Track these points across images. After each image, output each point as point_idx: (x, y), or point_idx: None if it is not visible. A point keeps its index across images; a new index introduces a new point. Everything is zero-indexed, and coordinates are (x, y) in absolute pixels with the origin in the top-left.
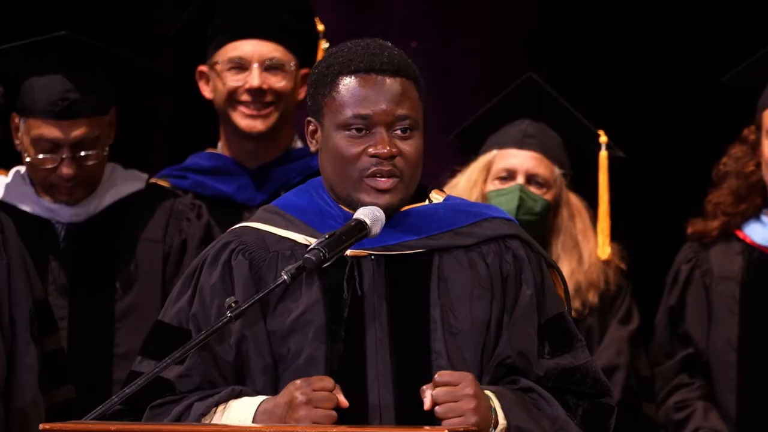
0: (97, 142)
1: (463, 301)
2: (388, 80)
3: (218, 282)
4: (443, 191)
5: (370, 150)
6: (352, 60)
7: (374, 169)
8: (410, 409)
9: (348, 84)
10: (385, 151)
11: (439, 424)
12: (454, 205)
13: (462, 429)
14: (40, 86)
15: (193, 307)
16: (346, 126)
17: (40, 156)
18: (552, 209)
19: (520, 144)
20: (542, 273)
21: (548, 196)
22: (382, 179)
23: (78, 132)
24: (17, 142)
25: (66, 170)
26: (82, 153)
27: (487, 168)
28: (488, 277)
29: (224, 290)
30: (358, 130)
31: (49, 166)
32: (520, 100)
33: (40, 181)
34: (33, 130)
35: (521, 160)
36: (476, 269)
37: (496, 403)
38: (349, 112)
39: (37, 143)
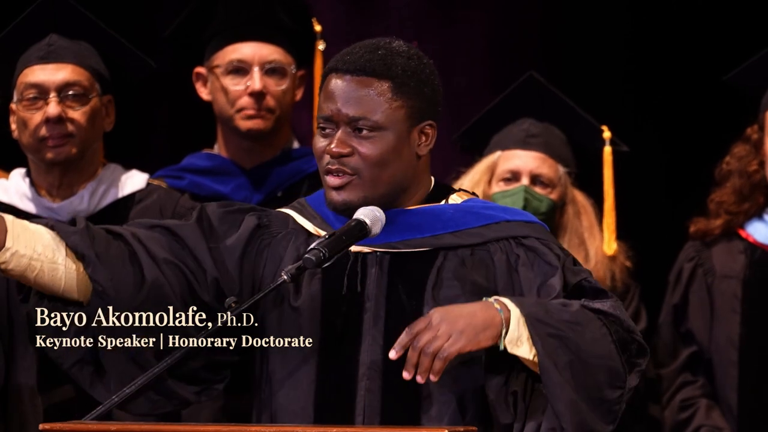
0: (84, 98)
1: (458, 300)
2: (349, 80)
3: (224, 213)
4: (472, 193)
5: (326, 147)
6: (335, 59)
7: (327, 167)
8: (395, 407)
9: (325, 83)
10: (335, 150)
11: (439, 425)
12: (467, 206)
13: (462, 429)
14: (32, 47)
15: (192, 216)
16: (318, 124)
17: (29, 98)
18: (558, 208)
19: (524, 144)
20: (565, 254)
21: (553, 196)
22: (334, 177)
23: (63, 75)
24: (13, 127)
25: (52, 110)
26: (69, 97)
27: (491, 169)
28: (492, 275)
29: (223, 221)
30: (323, 128)
31: (37, 114)
32: (522, 100)
33: (31, 141)
34: (21, 81)
35: (525, 160)
36: (480, 268)
37: (504, 300)
38: (319, 112)
39: (25, 92)
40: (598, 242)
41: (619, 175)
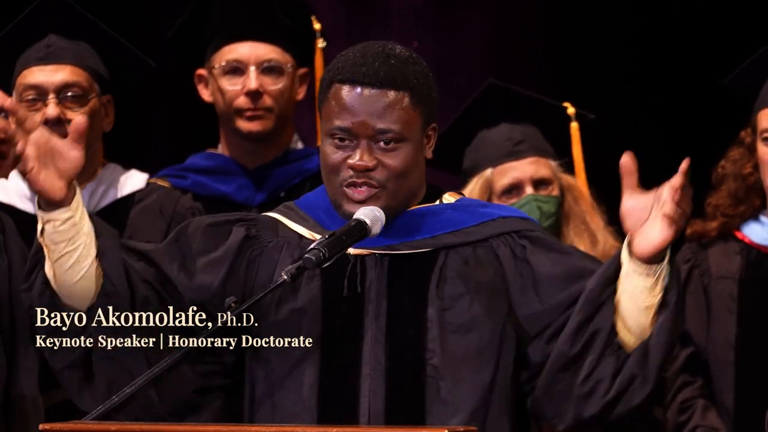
0: (83, 99)
1: (463, 299)
2: (371, 93)
3: (207, 229)
4: (460, 193)
5: (349, 161)
6: (344, 68)
7: (350, 180)
8: (400, 408)
9: (336, 93)
10: (361, 164)
11: (438, 425)
12: (463, 206)
13: (462, 429)
14: (31, 48)
15: (170, 236)
16: (331, 135)
17: (28, 99)
18: (561, 200)
19: (514, 155)
20: (562, 252)
21: (555, 192)
22: (358, 189)
23: (61, 76)
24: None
25: (51, 112)
26: (68, 98)
27: (488, 186)
28: (499, 269)
29: (207, 238)
30: (341, 139)
31: (36, 115)
32: (487, 108)
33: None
34: (20, 82)
35: (522, 170)
36: (484, 265)
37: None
38: (333, 122)
39: (24, 93)
40: (601, 222)
41: (617, 175)
